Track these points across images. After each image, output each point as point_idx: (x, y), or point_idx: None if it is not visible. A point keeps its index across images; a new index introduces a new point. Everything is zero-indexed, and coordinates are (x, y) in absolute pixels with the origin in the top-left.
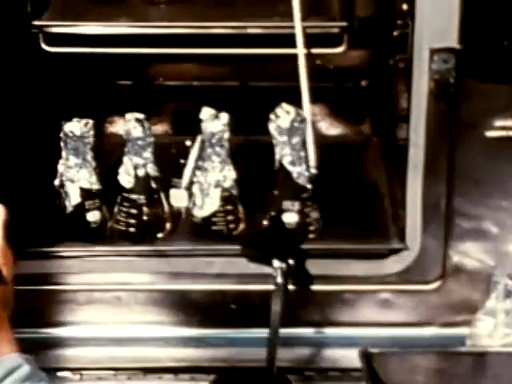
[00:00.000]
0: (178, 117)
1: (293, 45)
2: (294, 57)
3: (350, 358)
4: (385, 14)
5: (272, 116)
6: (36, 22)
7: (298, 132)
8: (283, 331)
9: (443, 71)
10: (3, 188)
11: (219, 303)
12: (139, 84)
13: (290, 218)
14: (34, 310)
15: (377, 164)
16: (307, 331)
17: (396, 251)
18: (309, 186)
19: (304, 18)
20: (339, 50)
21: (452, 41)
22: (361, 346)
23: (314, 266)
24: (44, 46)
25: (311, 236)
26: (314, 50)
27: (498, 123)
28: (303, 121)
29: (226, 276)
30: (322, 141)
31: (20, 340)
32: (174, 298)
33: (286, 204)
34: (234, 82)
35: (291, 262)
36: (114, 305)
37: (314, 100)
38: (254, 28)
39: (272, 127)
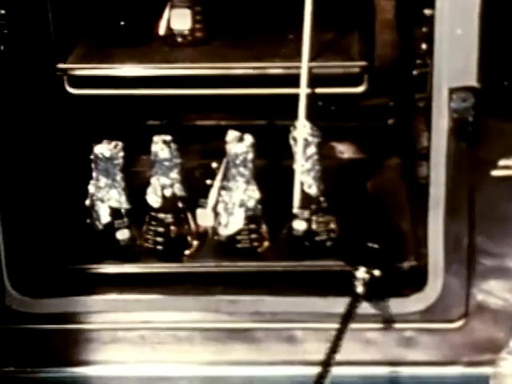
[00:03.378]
0: (206, 155)
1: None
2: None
3: None
4: (405, 54)
5: (291, 128)
6: (60, 65)
7: (311, 144)
8: (303, 372)
9: (462, 110)
10: (38, 209)
11: (242, 341)
12: (168, 124)
13: (299, 225)
14: (59, 349)
15: (401, 202)
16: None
17: (418, 287)
18: (320, 199)
19: (325, 59)
20: (360, 89)
21: (471, 80)
22: None
23: (339, 304)
24: (68, 88)
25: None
26: (336, 90)
27: (508, 161)
28: (317, 136)
29: (250, 314)
30: (346, 177)
31: (45, 379)
32: (197, 336)
33: (297, 211)
34: (262, 121)
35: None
36: (137, 344)
37: (343, 138)
38: (274, 68)
39: (290, 138)
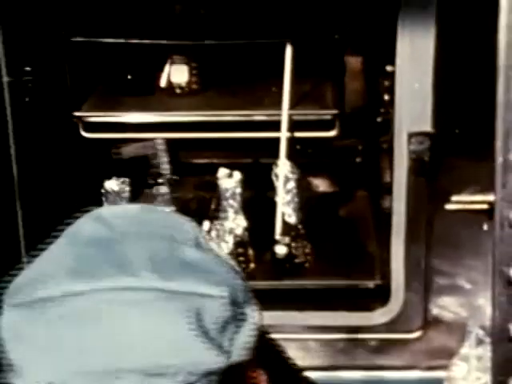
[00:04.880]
0: (200, 189)
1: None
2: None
3: None
4: (371, 104)
5: (273, 166)
6: (76, 113)
7: (291, 180)
8: None
9: (419, 151)
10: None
11: None
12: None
13: (280, 249)
14: None
15: (368, 229)
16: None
17: (382, 302)
18: (299, 226)
19: (302, 107)
20: (332, 133)
21: (426, 126)
22: None
23: (315, 318)
24: (83, 133)
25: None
26: (311, 134)
27: (459, 197)
28: (295, 172)
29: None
30: (321, 207)
31: None
32: None
33: (278, 238)
34: (248, 160)
35: None
36: None
37: (318, 174)
38: (258, 115)
39: (272, 174)
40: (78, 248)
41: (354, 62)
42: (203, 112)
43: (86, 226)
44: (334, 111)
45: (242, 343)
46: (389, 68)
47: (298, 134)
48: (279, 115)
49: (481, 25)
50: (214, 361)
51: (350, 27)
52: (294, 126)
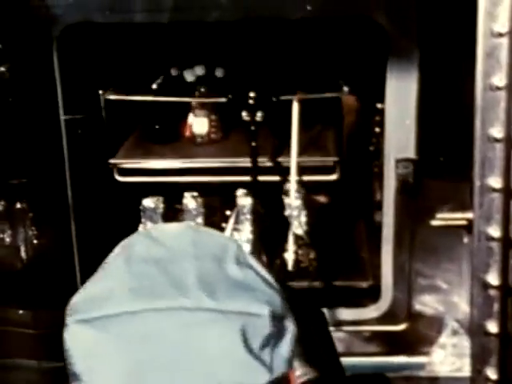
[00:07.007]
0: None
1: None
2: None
3: None
4: (364, 135)
5: (284, 187)
6: (111, 160)
7: (298, 198)
8: None
9: (405, 174)
10: (105, 245)
11: None
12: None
13: (289, 256)
14: None
15: (362, 239)
16: None
17: (374, 300)
18: (304, 237)
19: (308, 154)
20: (333, 177)
21: (410, 153)
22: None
23: None
24: (117, 177)
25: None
26: (314, 178)
27: (443, 214)
28: (300, 192)
29: None
30: (323, 221)
31: None
32: None
33: (287, 246)
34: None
35: None
36: None
37: (320, 193)
38: (269, 162)
39: (283, 193)
40: (136, 267)
41: (350, 100)
42: (221, 159)
43: (139, 244)
44: (335, 158)
45: (282, 356)
46: (379, 105)
47: (304, 178)
48: (288, 161)
49: (458, 71)
50: (262, 378)
51: (349, 74)
52: (301, 170)
